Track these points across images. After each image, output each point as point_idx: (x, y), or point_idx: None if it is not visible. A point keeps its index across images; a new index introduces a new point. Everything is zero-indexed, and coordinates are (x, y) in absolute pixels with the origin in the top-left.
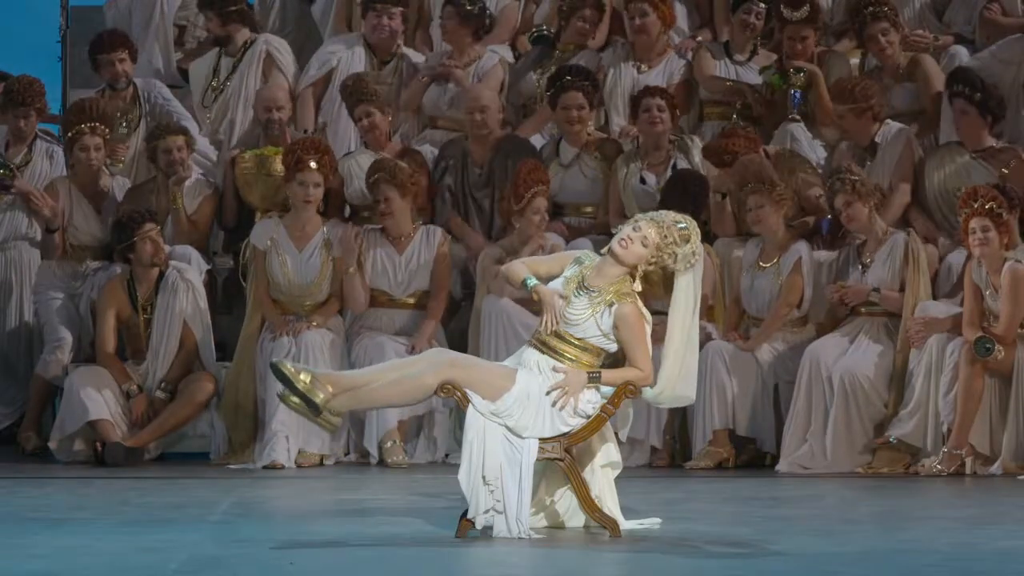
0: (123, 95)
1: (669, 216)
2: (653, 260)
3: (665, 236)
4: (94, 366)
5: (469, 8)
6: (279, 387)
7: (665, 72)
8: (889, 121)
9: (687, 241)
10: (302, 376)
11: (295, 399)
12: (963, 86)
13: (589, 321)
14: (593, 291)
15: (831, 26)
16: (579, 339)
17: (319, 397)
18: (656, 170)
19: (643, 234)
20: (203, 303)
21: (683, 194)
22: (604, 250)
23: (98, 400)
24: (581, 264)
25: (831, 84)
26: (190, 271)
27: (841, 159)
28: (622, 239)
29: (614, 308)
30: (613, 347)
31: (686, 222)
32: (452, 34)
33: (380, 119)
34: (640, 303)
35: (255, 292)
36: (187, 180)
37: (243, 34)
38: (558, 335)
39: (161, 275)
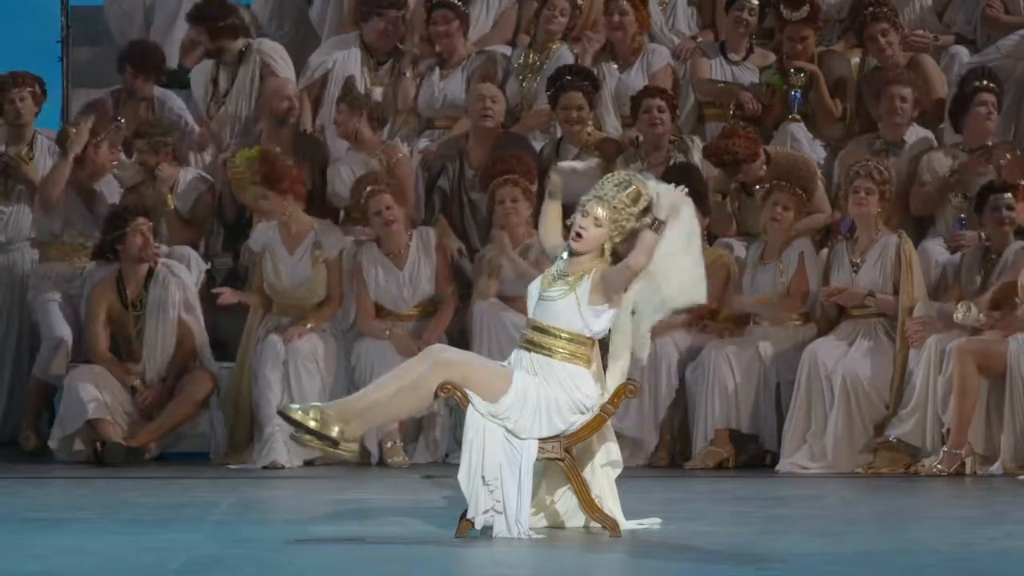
0: (135, 105)
1: (610, 183)
2: (615, 234)
3: (615, 207)
4: (93, 365)
5: (464, 9)
6: (292, 430)
7: (643, 65)
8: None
9: (637, 198)
10: (311, 414)
11: (308, 437)
12: (989, 81)
13: (567, 299)
14: (568, 276)
15: (843, 22)
16: (563, 330)
17: (332, 432)
18: (656, 170)
19: (592, 216)
20: (194, 299)
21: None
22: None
23: (98, 399)
24: (561, 260)
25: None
26: (180, 268)
27: (856, 155)
28: (575, 233)
29: (592, 273)
30: (596, 331)
31: (629, 181)
32: (447, 37)
33: (345, 118)
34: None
35: (254, 294)
36: (177, 179)
37: (236, 45)
38: (542, 330)
39: (151, 273)
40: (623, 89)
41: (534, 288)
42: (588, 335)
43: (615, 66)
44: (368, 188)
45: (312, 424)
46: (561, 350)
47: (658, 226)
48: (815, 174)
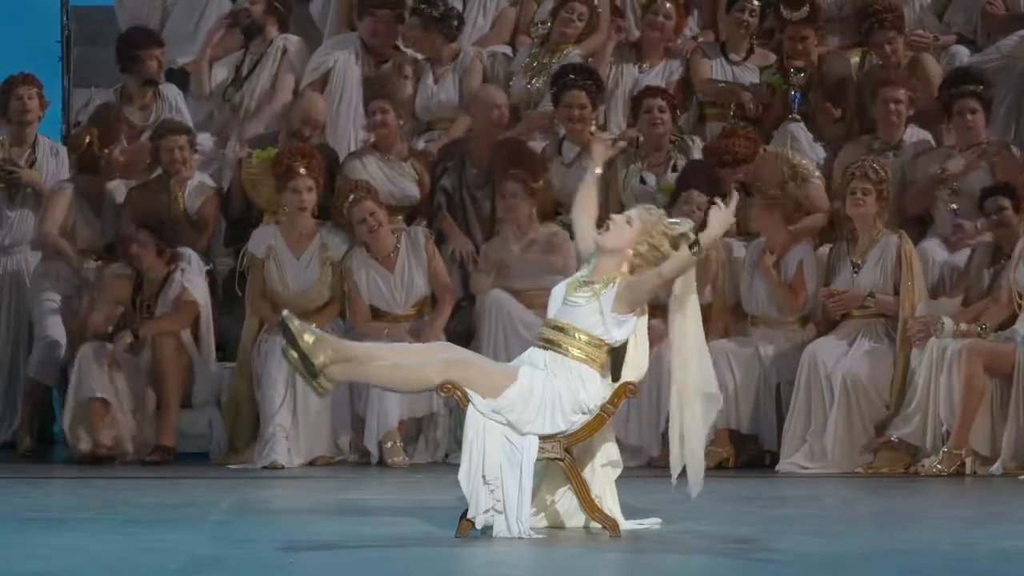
0: (144, 93)
1: (661, 211)
2: (641, 245)
3: (652, 221)
4: (103, 343)
5: (433, 14)
6: (282, 341)
7: (665, 71)
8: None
9: (675, 230)
10: (306, 336)
11: (294, 354)
12: (973, 84)
13: (592, 305)
14: (594, 283)
15: (844, 20)
16: (583, 332)
17: (318, 359)
18: (656, 170)
19: (627, 216)
20: (203, 299)
21: (702, 179)
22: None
23: (104, 379)
24: (586, 266)
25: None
26: (194, 273)
27: (855, 155)
28: (606, 224)
29: (617, 282)
30: (615, 339)
31: (678, 220)
32: (422, 42)
33: (392, 119)
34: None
35: (251, 296)
36: (190, 180)
37: (273, 31)
38: (561, 329)
39: (167, 275)
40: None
41: (558, 291)
42: (607, 341)
43: (635, 66)
44: (351, 196)
45: (303, 343)
46: (577, 351)
47: (696, 251)
48: (791, 170)
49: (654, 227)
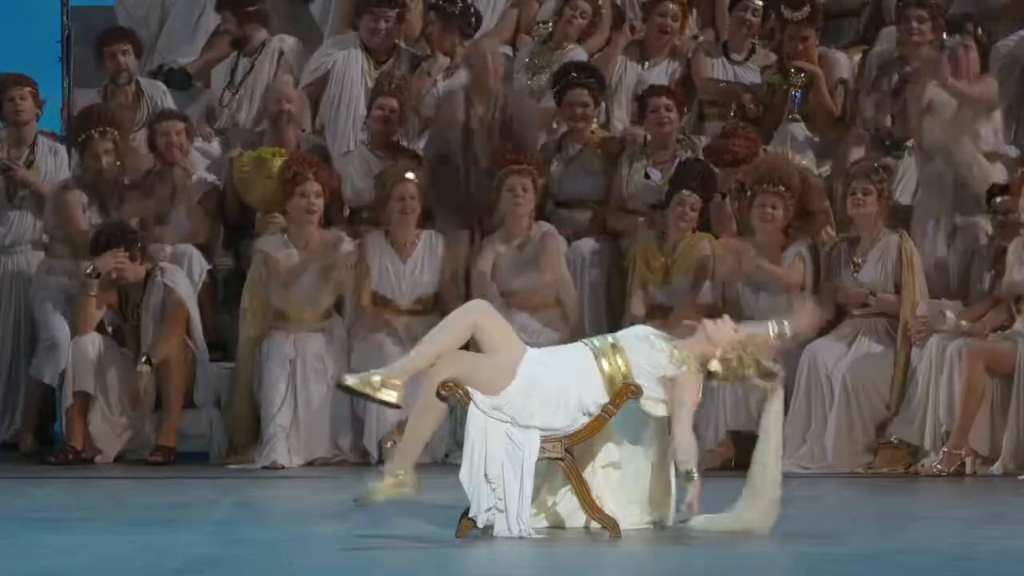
0: (126, 92)
1: (769, 341)
2: (732, 352)
3: (756, 339)
4: (105, 336)
5: (451, 10)
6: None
7: (668, 69)
8: None
9: (766, 373)
10: (373, 382)
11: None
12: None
13: (653, 359)
14: (676, 349)
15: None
16: (627, 366)
17: (393, 396)
18: (662, 167)
19: (737, 325)
20: (188, 297)
21: (695, 180)
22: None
23: (91, 375)
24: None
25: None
26: (177, 274)
27: (863, 153)
28: (718, 319)
29: (686, 366)
30: (645, 403)
31: (778, 361)
32: (439, 38)
33: (396, 119)
34: (702, 381)
35: (251, 304)
36: (193, 175)
37: (260, 34)
38: (615, 348)
39: (149, 275)
40: (643, 87)
41: (642, 329)
42: (638, 393)
43: (638, 64)
44: (400, 173)
45: (377, 397)
46: (608, 367)
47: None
48: (796, 172)
49: (752, 350)
